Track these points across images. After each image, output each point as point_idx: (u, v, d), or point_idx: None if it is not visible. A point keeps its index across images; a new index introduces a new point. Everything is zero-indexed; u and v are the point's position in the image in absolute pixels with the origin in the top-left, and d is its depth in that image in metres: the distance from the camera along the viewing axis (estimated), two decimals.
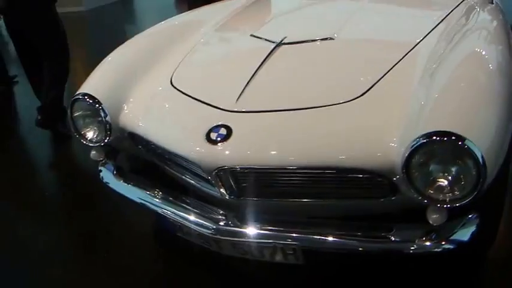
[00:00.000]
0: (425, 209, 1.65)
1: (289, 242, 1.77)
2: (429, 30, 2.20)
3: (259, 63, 2.04)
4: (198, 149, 1.76)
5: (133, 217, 2.73)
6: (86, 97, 2.10)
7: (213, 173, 1.75)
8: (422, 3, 2.83)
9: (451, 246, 1.67)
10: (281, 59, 2.09)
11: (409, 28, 2.40)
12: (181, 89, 2.09)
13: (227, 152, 1.72)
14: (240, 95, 1.89)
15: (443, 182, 1.56)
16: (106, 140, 2.11)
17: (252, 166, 1.73)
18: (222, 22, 2.75)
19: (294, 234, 1.78)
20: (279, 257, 1.82)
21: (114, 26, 7.66)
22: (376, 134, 1.67)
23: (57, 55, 3.86)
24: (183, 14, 3.04)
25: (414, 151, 1.52)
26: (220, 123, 1.79)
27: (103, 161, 2.28)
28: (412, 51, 2.03)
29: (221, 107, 1.87)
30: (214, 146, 1.73)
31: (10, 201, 3.22)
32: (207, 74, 2.25)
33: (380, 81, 1.85)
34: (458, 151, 1.50)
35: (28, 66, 3.99)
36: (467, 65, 1.89)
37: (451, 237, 1.67)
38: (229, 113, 1.84)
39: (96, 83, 2.21)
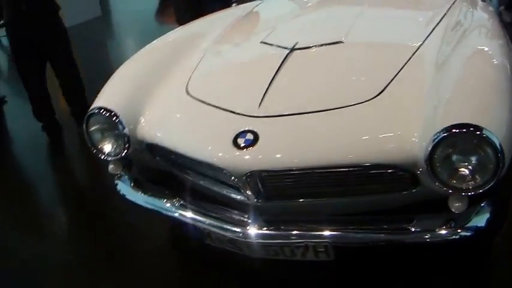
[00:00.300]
0: (445, 199, 1.74)
1: (321, 240, 1.84)
2: (430, 30, 2.31)
3: (276, 69, 2.10)
4: (227, 155, 1.81)
5: (148, 228, 2.79)
6: (102, 110, 2.11)
7: (243, 178, 1.81)
8: (417, 5, 2.96)
9: (469, 233, 1.77)
10: (296, 64, 2.15)
11: (411, 29, 2.51)
12: (198, 98, 2.13)
13: (257, 157, 1.78)
14: (262, 100, 1.96)
15: (465, 171, 1.66)
16: (124, 153, 2.13)
17: (282, 168, 1.79)
18: (227, 31, 2.80)
19: (325, 232, 1.85)
20: (310, 255, 1.89)
21: (96, 42, 7.65)
22: (397, 131, 1.76)
23: (71, 58, 4.06)
24: (186, 25, 3.07)
25: (436, 145, 1.62)
26: (246, 128, 1.85)
27: (118, 175, 2.30)
28: (418, 51, 2.13)
29: (245, 113, 1.93)
30: (243, 151, 1.79)
31: (13, 220, 3.24)
32: (223, 82, 2.29)
33: (393, 81, 1.95)
34: (478, 141, 1.61)
35: (31, 81, 4.00)
36: (474, 61, 2.02)
37: (469, 225, 1.77)
38: (254, 118, 1.90)
39: (110, 96, 2.23)
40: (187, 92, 2.20)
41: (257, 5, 3.27)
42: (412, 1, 3.05)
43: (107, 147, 2.16)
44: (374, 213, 1.92)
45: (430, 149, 1.63)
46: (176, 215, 2.09)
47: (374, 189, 1.86)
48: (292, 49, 2.22)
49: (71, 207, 3.37)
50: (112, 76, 2.41)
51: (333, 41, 2.27)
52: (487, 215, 1.78)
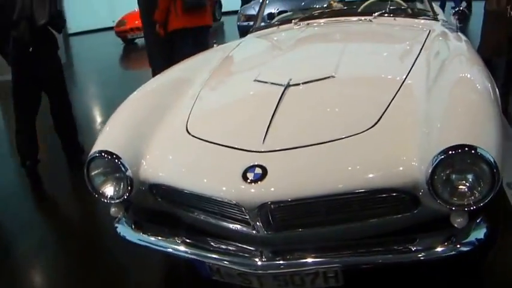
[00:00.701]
0: (445, 217, 1.86)
1: (331, 265, 1.90)
2: (413, 61, 2.48)
3: (275, 106, 2.18)
4: (239, 189, 1.87)
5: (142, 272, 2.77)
6: (103, 154, 2.14)
7: (255, 211, 1.86)
8: (394, 39, 3.18)
9: (469, 247, 1.87)
10: (293, 99, 2.25)
11: (395, 62, 2.70)
12: (200, 137, 2.18)
13: (268, 189, 1.84)
14: (266, 136, 2.03)
15: (464, 188, 1.80)
16: (127, 196, 2.14)
17: (292, 199, 1.86)
18: (217, 71, 2.89)
19: (335, 258, 1.91)
20: (319, 282, 1.93)
21: None
22: (398, 156, 1.88)
23: (67, 94, 4.54)
24: (175, 67, 3.15)
25: (436, 166, 1.75)
26: (255, 163, 1.91)
27: (117, 218, 2.29)
28: (405, 82, 2.28)
29: (251, 149, 2.00)
30: (254, 185, 1.85)
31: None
32: (223, 120, 2.36)
33: (387, 110, 2.08)
34: (473, 159, 1.75)
35: (25, 120, 4.29)
36: (459, 87, 2.20)
37: (468, 239, 1.87)
38: (260, 153, 1.97)
39: (110, 139, 2.26)
40: (188, 132, 2.25)
41: (238, 45, 3.40)
42: (389, 35, 3.27)
43: (109, 190, 2.17)
44: (379, 236, 2.00)
45: (430, 171, 1.76)
46: (183, 253, 2.10)
47: (378, 213, 1.95)
48: (287, 86, 2.31)
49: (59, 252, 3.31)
50: (108, 120, 2.44)
51: (324, 76, 2.39)
52: (484, 229, 1.89)
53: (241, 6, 11.46)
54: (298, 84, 2.33)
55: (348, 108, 2.23)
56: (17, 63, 4.17)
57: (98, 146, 2.21)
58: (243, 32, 8.56)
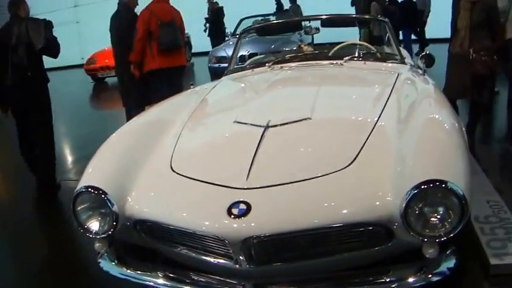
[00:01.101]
0: (417, 250, 1.99)
1: None
2: (384, 104, 2.66)
3: (256, 145, 2.30)
4: (223, 224, 1.96)
5: None
6: (90, 189, 2.20)
7: (239, 245, 1.95)
8: (365, 82, 3.40)
9: (440, 277, 2.00)
10: (273, 140, 2.36)
11: (367, 104, 2.86)
12: (185, 174, 2.28)
13: (251, 224, 1.94)
14: (249, 173, 2.14)
15: (436, 221, 1.94)
16: (112, 231, 2.20)
17: (275, 233, 1.96)
18: (197, 112, 2.99)
19: None
20: None
21: None
22: (373, 192, 2.02)
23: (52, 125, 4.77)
24: (154, 107, 3.29)
25: (409, 201, 1.89)
26: (240, 199, 2.01)
27: (101, 253, 2.33)
28: (377, 123, 2.44)
29: (235, 186, 2.10)
30: (238, 220, 1.95)
31: None
32: (206, 159, 2.45)
33: (362, 149, 2.23)
34: (444, 192, 1.90)
35: (27, 146, 4.67)
36: (429, 127, 2.37)
37: (439, 270, 2.01)
38: (244, 190, 2.07)
39: (96, 175, 2.33)
40: (173, 169, 2.34)
41: (214, 87, 3.53)
42: (360, 78, 3.48)
43: (95, 225, 2.23)
44: (355, 269, 2.11)
45: (404, 205, 1.89)
46: (166, 286, 2.17)
47: (355, 246, 2.06)
48: (267, 127, 2.43)
49: None
50: (93, 157, 2.50)
51: (301, 118, 2.53)
52: (454, 260, 2.03)
53: (212, 48, 11.72)
54: (276, 126, 2.46)
55: (325, 148, 2.36)
56: (15, 88, 4.39)
57: (84, 181, 2.27)
58: (214, 73, 8.81)
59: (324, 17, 4.60)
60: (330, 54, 4.01)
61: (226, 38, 10.81)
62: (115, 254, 2.34)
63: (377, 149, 2.23)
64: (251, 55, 8.63)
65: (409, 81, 3.10)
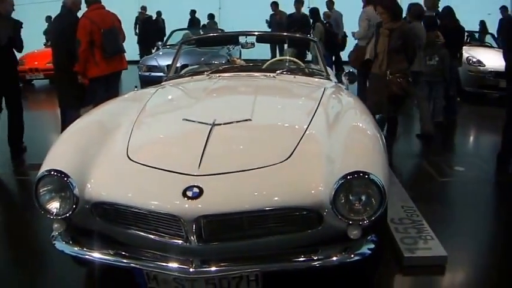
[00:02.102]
0: (342, 235, 2.35)
1: (253, 270, 2.29)
2: (314, 110, 3.04)
3: (205, 139, 2.59)
4: (180, 204, 2.24)
5: None
6: (53, 172, 2.40)
7: (192, 223, 2.22)
8: (296, 93, 3.84)
9: (360, 257, 2.36)
10: (220, 135, 2.66)
11: (299, 111, 3.27)
12: (141, 162, 2.51)
13: (204, 205, 2.24)
14: (200, 163, 2.42)
15: (359, 207, 2.32)
16: (70, 213, 2.39)
17: (223, 213, 2.26)
18: (145, 109, 3.24)
19: (255, 264, 2.32)
20: (243, 285, 2.31)
21: None
22: (307, 182, 2.36)
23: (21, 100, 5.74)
24: (104, 104, 3.47)
25: (337, 189, 2.26)
26: (194, 184, 2.29)
27: (54, 235, 2.50)
28: (309, 126, 2.81)
29: (189, 173, 2.38)
30: (193, 201, 2.23)
31: None
32: (159, 149, 2.74)
33: (296, 148, 2.57)
34: (366, 183, 2.29)
35: None
36: (354, 132, 2.80)
37: (360, 251, 2.37)
38: (197, 176, 2.35)
39: (58, 161, 2.51)
40: (129, 158, 2.57)
41: (157, 90, 3.77)
42: (292, 89, 3.91)
43: (55, 207, 2.42)
44: (291, 249, 2.45)
45: (333, 193, 2.26)
46: (123, 263, 2.38)
47: (290, 229, 2.40)
48: (213, 125, 2.72)
49: None
50: (52, 147, 2.68)
51: (243, 119, 2.86)
52: (373, 244, 2.41)
53: (141, 57, 11.87)
54: (222, 124, 2.75)
55: (264, 145, 2.70)
56: None
57: (47, 165, 2.46)
58: (145, 81, 8.97)
59: (260, 33, 4.97)
60: (264, 67, 4.39)
61: (157, 48, 11.02)
62: (69, 235, 2.51)
63: (309, 148, 2.58)
64: (183, 65, 8.93)
65: (334, 94, 3.53)
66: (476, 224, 3.99)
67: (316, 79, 4.15)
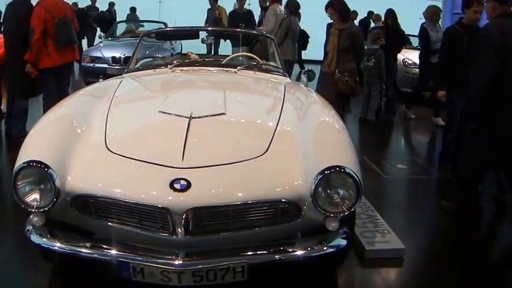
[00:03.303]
0: (321, 226, 2.45)
1: (239, 261, 2.36)
2: (281, 105, 3.14)
3: (185, 132, 2.60)
4: (168, 198, 2.25)
5: None
6: (32, 164, 2.32)
7: (182, 216, 2.24)
8: (261, 90, 3.93)
9: (334, 249, 2.49)
10: (199, 128, 2.68)
11: (268, 106, 3.38)
12: (121, 153, 2.49)
13: (194, 197, 2.26)
14: (183, 156, 2.44)
15: (338, 199, 2.42)
16: (50, 206, 2.32)
17: (212, 205, 2.30)
18: (115, 102, 3.14)
19: (243, 256, 2.38)
20: (229, 276, 2.36)
21: None
22: (286, 176, 2.45)
23: None
24: (73, 96, 3.40)
25: (317, 185, 2.35)
26: (181, 176, 2.31)
27: (29, 229, 2.43)
28: (280, 120, 2.91)
29: (173, 165, 2.39)
30: (182, 193, 2.26)
31: None
32: (139, 141, 2.69)
33: (272, 142, 2.65)
34: (343, 176, 2.40)
35: None
36: (324, 126, 2.95)
37: (334, 243, 2.49)
38: (182, 169, 2.37)
39: (37, 151, 2.42)
40: (109, 149, 2.54)
41: (121, 82, 3.69)
42: (256, 84, 3.99)
43: (35, 200, 2.34)
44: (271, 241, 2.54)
45: (313, 187, 2.35)
46: (110, 256, 2.36)
47: (270, 222, 2.46)
48: (191, 117, 2.74)
49: None
50: (26, 139, 2.58)
51: (218, 113, 2.90)
52: (345, 238, 2.53)
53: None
54: (199, 117, 2.78)
55: (241, 139, 2.77)
56: None
57: (26, 157, 2.37)
58: (87, 72, 8.77)
59: (218, 29, 5.00)
60: (223, 62, 4.43)
61: (99, 40, 10.92)
62: (46, 229, 2.44)
63: (283, 143, 2.66)
64: (126, 57, 8.83)
65: (295, 91, 3.64)
66: (425, 218, 4.29)
67: (275, 76, 4.24)
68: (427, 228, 4.03)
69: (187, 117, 2.74)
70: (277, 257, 2.44)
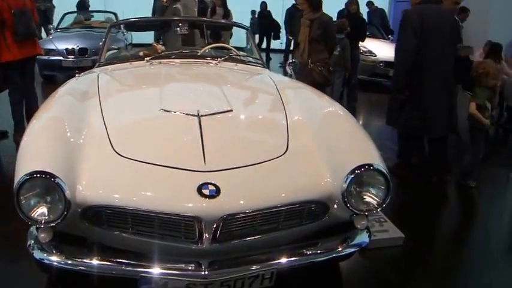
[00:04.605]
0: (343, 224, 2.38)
1: (270, 268, 2.22)
2: (280, 99, 3.04)
3: (199, 132, 2.42)
4: (200, 205, 2.06)
5: None
6: (37, 175, 2.05)
7: (213, 224, 2.07)
8: (252, 80, 3.78)
9: (359, 247, 2.43)
10: (212, 127, 2.50)
11: (267, 97, 3.28)
12: (133, 158, 2.27)
13: (226, 204, 2.10)
14: (204, 158, 2.26)
15: (369, 197, 2.34)
16: (60, 219, 2.08)
17: (246, 211, 2.14)
18: (104, 100, 2.88)
19: (273, 262, 2.25)
20: (256, 283, 2.22)
21: None
22: (313, 175, 2.35)
23: None
24: (56, 96, 3.04)
25: (349, 185, 2.26)
26: (208, 181, 2.13)
27: (30, 244, 2.19)
28: (287, 114, 2.81)
29: (196, 169, 2.20)
30: (213, 200, 2.08)
31: None
32: (149, 143, 2.45)
33: (289, 139, 2.53)
34: (372, 173, 2.31)
35: None
36: (334, 118, 2.89)
37: (360, 241, 2.43)
38: (207, 173, 2.19)
39: (38, 159, 2.17)
40: (118, 153, 2.31)
41: (98, 77, 3.38)
42: (247, 79, 3.84)
43: (42, 214, 2.09)
44: (289, 244, 2.39)
45: (345, 187, 2.26)
46: (131, 272, 2.16)
47: (297, 223, 2.33)
48: (199, 116, 2.56)
49: None
50: (21, 149, 2.32)
51: (226, 110, 2.72)
52: (367, 233, 2.47)
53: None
54: (208, 115, 2.60)
55: (258, 136, 2.64)
56: None
57: (26, 168, 2.10)
58: (43, 65, 8.40)
59: (191, 19, 4.80)
60: (199, 53, 4.22)
61: (51, 32, 10.50)
62: (51, 243, 2.19)
63: (299, 137, 2.56)
64: (80, 49, 8.44)
65: (285, 81, 3.53)
66: (416, 203, 4.37)
67: (256, 67, 4.11)
68: (423, 216, 4.10)
69: (195, 116, 2.57)
70: (306, 261, 2.32)
